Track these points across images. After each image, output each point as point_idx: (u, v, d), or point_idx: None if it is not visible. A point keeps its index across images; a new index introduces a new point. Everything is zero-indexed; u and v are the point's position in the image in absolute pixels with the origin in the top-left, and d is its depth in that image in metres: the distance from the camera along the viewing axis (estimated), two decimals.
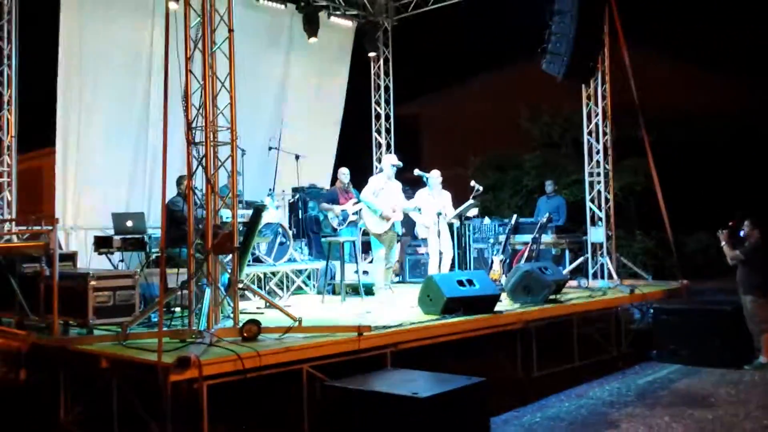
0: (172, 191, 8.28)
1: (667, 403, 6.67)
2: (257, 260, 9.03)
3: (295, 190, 10.99)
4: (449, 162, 13.86)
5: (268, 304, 6.50)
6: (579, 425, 6.07)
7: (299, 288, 9.73)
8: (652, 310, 8.93)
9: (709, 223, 12.99)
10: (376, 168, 13.39)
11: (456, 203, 9.34)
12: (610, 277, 10.21)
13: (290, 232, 9.65)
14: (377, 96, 13.55)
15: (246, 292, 6.95)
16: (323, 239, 9.68)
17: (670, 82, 17.35)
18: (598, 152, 10.65)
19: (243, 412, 5.71)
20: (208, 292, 5.67)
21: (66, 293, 5.91)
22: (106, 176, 9.70)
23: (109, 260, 7.74)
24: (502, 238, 10.16)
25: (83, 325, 5.97)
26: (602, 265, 10.39)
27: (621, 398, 6.94)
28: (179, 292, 6.03)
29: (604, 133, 10.62)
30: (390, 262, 8.67)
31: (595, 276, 10.39)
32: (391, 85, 13.56)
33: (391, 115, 13.60)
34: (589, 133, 10.76)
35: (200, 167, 5.81)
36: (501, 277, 9.34)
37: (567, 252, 10.52)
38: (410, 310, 7.37)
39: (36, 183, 14.22)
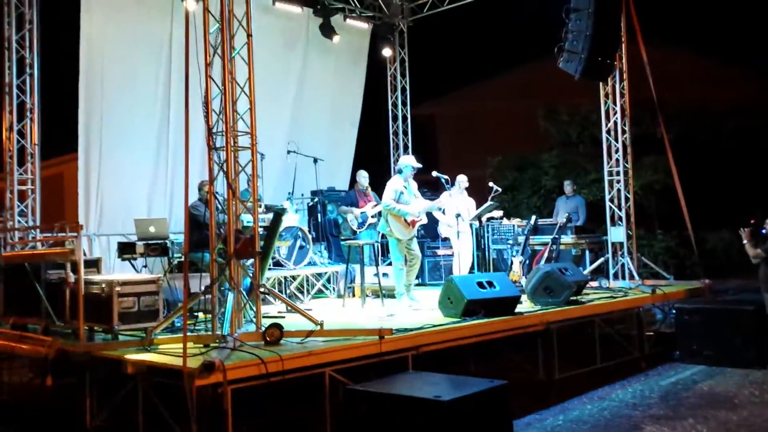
0: (193, 196, 8.35)
1: (691, 405, 6.62)
2: (278, 264, 9.08)
3: (313, 193, 11.03)
4: (467, 163, 13.82)
5: (289, 307, 6.53)
6: (602, 428, 6.04)
7: (319, 291, 9.77)
8: (674, 311, 8.86)
9: (731, 221, 12.94)
10: (394, 169, 13.39)
11: (476, 205, 9.36)
12: (632, 277, 10.15)
13: (310, 236, 9.69)
14: (394, 97, 13.57)
15: (267, 296, 6.99)
16: (343, 242, 9.71)
17: (691, 78, 17.20)
18: (617, 151, 10.59)
19: (266, 417, 5.76)
20: (230, 296, 5.71)
21: (91, 299, 5.99)
22: (127, 182, 9.79)
23: (133, 266, 7.81)
24: (521, 239, 10.13)
25: (108, 331, 6.03)
26: (623, 265, 10.33)
27: (644, 400, 6.90)
28: (202, 297, 6.07)
29: (623, 131, 10.56)
30: (418, 262, 8.56)
31: (616, 276, 10.33)
32: (407, 86, 13.57)
33: (408, 116, 13.62)
34: (608, 132, 10.70)
35: (221, 172, 5.85)
36: (521, 278, 9.33)
37: (587, 252, 10.47)
38: (431, 312, 7.38)
39: (58, 189, 14.34)
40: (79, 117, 9.31)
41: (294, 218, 9.60)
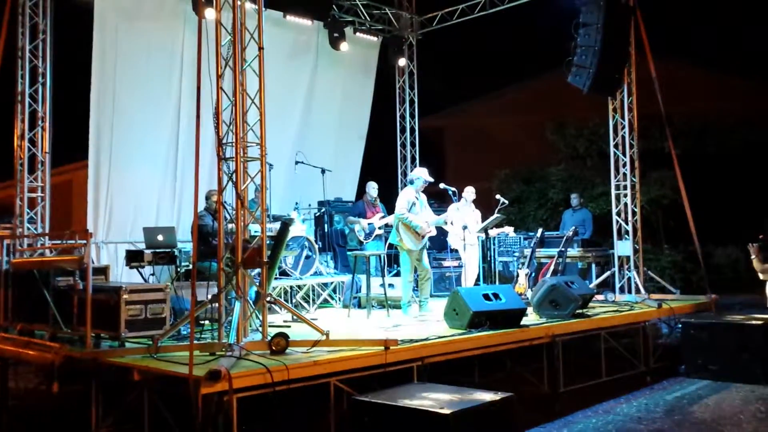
0: (200, 206, 8.39)
1: (696, 420, 6.60)
2: (284, 274, 9.12)
3: (320, 203, 11.08)
4: (474, 175, 13.85)
5: (295, 317, 6.55)
6: None
7: (325, 301, 9.79)
8: (680, 325, 8.84)
9: (739, 236, 12.92)
10: (402, 181, 13.45)
11: (482, 217, 9.38)
12: (638, 291, 10.14)
13: (316, 246, 9.73)
14: (402, 109, 13.63)
15: (273, 305, 7.01)
16: (349, 253, 9.74)
17: (699, 92, 17.22)
18: (624, 165, 10.61)
19: (271, 426, 5.77)
20: (237, 305, 5.74)
21: (99, 306, 6.02)
22: (136, 190, 9.85)
23: (140, 274, 7.86)
24: (527, 251, 10.14)
25: (115, 338, 6.07)
26: (629, 279, 10.32)
27: (649, 414, 6.89)
28: (209, 306, 6.10)
29: (631, 146, 10.57)
30: (428, 273, 8.59)
31: (622, 290, 10.32)
32: (416, 99, 13.64)
33: (416, 128, 13.67)
34: (616, 146, 10.72)
35: (230, 182, 5.89)
36: (526, 290, 9.32)
37: (593, 266, 10.48)
38: (436, 324, 7.39)
39: (67, 196, 14.44)
40: (90, 126, 9.38)
41: (301, 228, 9.64)
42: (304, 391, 5.21)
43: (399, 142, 13.66)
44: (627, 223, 10.49)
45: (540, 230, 10.29)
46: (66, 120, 9.69)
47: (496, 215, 9.24)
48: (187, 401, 4.65)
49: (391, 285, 9.24)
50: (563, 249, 9.77)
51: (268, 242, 6.14)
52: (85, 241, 6.16)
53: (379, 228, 10.04)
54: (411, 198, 8.34)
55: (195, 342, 5.38)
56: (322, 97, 12.32)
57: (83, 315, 5.95)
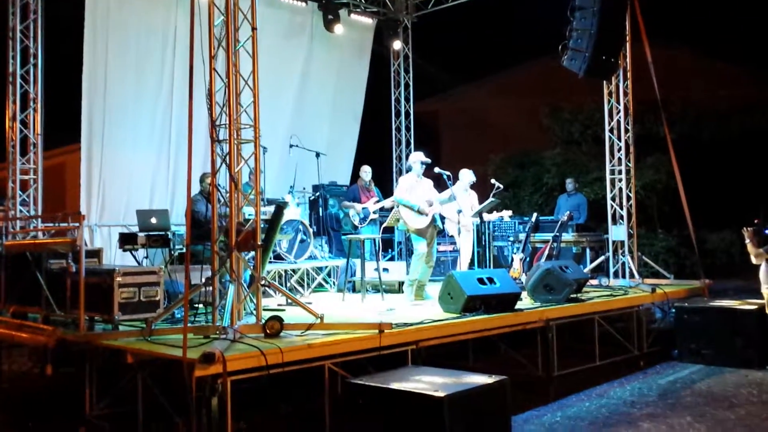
0: (195, 189, 8.36)
1: (689, 404, 6.64)
2: (278, 257, 9.09)
3: (315, 187, 11.04)
4: (469, 159, 13.81)
5: (289, 300, 6.54)
6: (600, 425, 6.06)
7: (320, 285, 9.79)
8: (673, 310, 8.86)
9: (732, 221, 12.95)
10: (396, 165, 13.43)
11: (479, 199, 9.37)
12: (632, 275, 10.16)
13: (311, 230, 9.70)
14: (397, 93, 13.58)
15: (268, 289, 7.00)
16: (343, 237, 9.72)
17: (694, 77, 17.20)
18: (619, 149, 10.59)
19: (265, 408, 5.77)
20: (231, 288, 5.72)
21: (92, 289, 6.00)
22: (130, 173, 9.81)
23: (134, 257, 7.82)
24: (522, 236, 10.14)
25: (108, 321, 6.05)
26: (623, 263, 10.34)
27: (642, 398, 6.92)
28: (203, 289, 6.08)
29: (626, 130, 10.55)
30: (432, 260, 8.59)
31: (616, 275, 10.34)
32: (411, 82, 13.58)
33: (411, 111, 13.63)
34: (611, 131, 10.70)
35: (224, 164, 5.85)
36: (521, 275, 9.34)
37: (588, 250, 10.49)
38: (431, 307, 7.39)
39: (60, 179, 14.38)
40: (82, 108, 9.33)
41: (295, 212, 9.61)
42: (298, 374, 5.21)
43: (394, 126, 13.61)
44: (622, 208, 10.49)
45: (535, 215, 10.30)
46: (59, 102, 9.62)
47: (491, 199, 9.22)
48: (181, 384, 4.64)
49: (385, 269, 9.23)
50: (558, 234, 9.77)
51: (262, 225, 6.11)
52: (77, 224, 6.12)
53: (374, 212, 10.03)
54: (410, 182, 8.33)
55: (189, 325, 5.37)
56: (317, 80, 12.26)
57: (76, 298, 5.93)
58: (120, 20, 9.61)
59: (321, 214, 10.79)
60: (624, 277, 10.21)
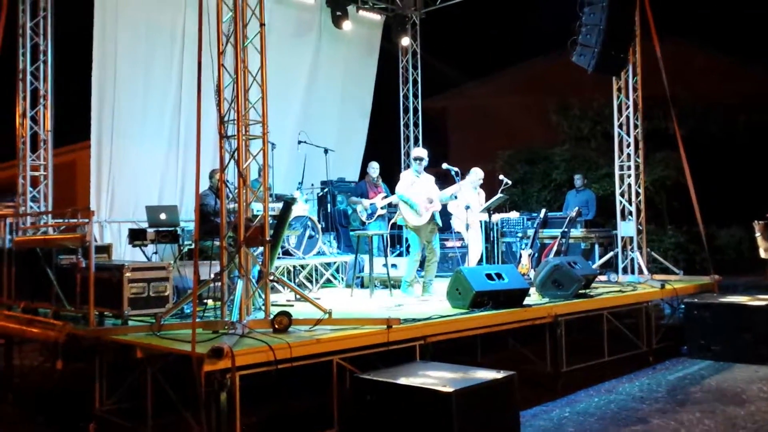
0: (204, 185, 8.39)
1: (698, 400, 6.61)
2: (286, 253, 9.12)
3: (323, 183, 11.06)
4: (478, 155, 13.81)
5: (298, 296, 6.56)
6: (608, 420, 6.05)
7: (328, 281, 9.81)
8: (683, 306, 8.83)
9: (742, 217, 12.88)
10: (404, 161, 13.42)
11: (487, 197, 9.36)
12: (641, 272, 10.13)
13: (319, 226, 9.72)
14: (405, 89, 13.57)
15: (276, 284, 7.02)
16: (352, 233, 9.73)
17: (704, 73, 17.10)
18: (628, 145, 10.54)
19: (274, 403, 5.79)
20: (240, 284, 5.74)
21: (102, 284, 6.03)
22: (139, 169, 9.86)
23: (143, 252, 7.86)
24: (530, 232, 10.12)
25: (118, 316, 6.07)
26: (632, 259, 10.30)
27: (651, 394, 6.90)
28: (212, 284, 6.11)
29: (635, 126, 10.51)
30: (436, 256, 8.59)
31: (625, 271, 10.31)
32: (419, 79, 13.57)
33: (419, 108, 13.62)
34: (620, 126, 10.65)
35: (232, 160, 5.87)
36: (529, 271, 9.32)
37: (596, 246, 10.46)
38: (439, 303, 7.40)
39: (70, 176, 14.45)
40: (92, 104, 9.37)
41: (304, 208, 9.63)
42: (306, 369, 5.22)
43: (402, 123, 13.61)
44: (630, 204, 10.45)
45: (543, 211, 10.27)
46: (69, 100, 9.67)
47: (499, 195, 9.21)
48: (189, 379, 4.66)
49: (394, 265, 9.24)
50: (566, 230, 9.74)
51: (270, 221, 6.12)
52: (87, 220, 6.16)
53: (382, 208, 10.04)
54: (411, 179, 8.36)
55: (198, 320, 5.39)
56: (325, 77, 12.27)
57: (86, 293, 5.96)
58: (129, 17, 9.64)
59: (329, 210, 10.81)
60: (633, 273, 10.18)
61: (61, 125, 9.17)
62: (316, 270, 9.62)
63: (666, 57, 10.07)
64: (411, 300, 8.02)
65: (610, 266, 10.39)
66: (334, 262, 9.92)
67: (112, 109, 9.52)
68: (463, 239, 9.47)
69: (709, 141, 15.11)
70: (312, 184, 11.08)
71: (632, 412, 6.26)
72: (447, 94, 21.71)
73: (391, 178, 10.40)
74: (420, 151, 8.69)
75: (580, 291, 7.88)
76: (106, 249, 7.38)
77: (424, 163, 8.54)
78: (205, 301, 6.79)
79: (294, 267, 9.29)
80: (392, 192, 9.79)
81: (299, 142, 10.57)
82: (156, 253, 8.06)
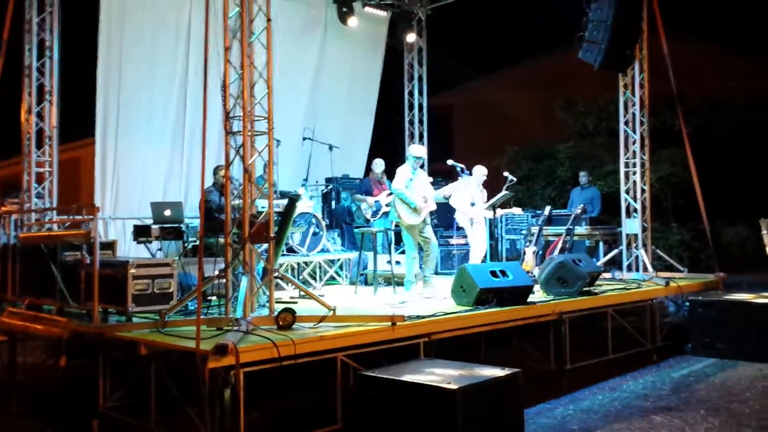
0: (208, 181, 8.38)
1: (703, 397, 6.60)
2: (291, 250, 9.12)
3: (328, 180, 11.05)
4: (483, 152, 13.78)
5: (302, 293, 6.55)
6: (613, 418, 6.04)
7: (332, 278, 9.80)
8: (687, 303, 8.82)
9: (747, 215, 12.84)
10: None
11: (489, 195, 9.34)
12: (645, 269, 10.09)
13: (323, 223, 9.71)
14: (411, 86, 13.54)
15: (281, 281, 7.01)
16: (356, 230, 9.73)
17: (711, 70, 17.03)
18: (634, 142, 10.50)
19: (278, 400, 5.80)
20: (244, 280, 5.74)
21: (106, 281, 6.04)
22: (143, 166, 9.86)
23: (148, 249, 7.86)
24: (535, 229, 10.10)
25: (122, 313, 6.08)
26: (637, 257, 10.26)
27: (655, 391, 6.89)
28: (216, 281, 6.11)
29: (641, 123, 10.46)
30: (434, 250, 8.59)
31: (629, 268, 10.27)
32: (424, 75, 13.53)
33: (425, 105, 13.58)
34: (626, 123, 10.61)
35: (237, 157, 5.87)
36: (534, 268, 9.30)
37: (601, 244, 10.45)
38: (443, 300, 7.39)
39: (75, 173, 14.46)
40: (97, 101, 9.37)
41: (308, 205, 9.62)
42: (311, 366, 5.22)
43: (407, 119, 13.58)
44: (636, 201, 10.41)
45: (548, 208, 10.24)
46: (75, 96, 9.67)
47: (504, 192, 9.20)
48: (194, 375, 4.66)
49: (398, 262, 9.22)
50: (571, 227, 9.72)
51: (275, 218, 6.12)
52: (92, 216, 6.16)
53: (386, 205, 10.01)
54: (407, 174, 8.36)
55: (202, 317, 5.38)
56: (331, 73, 12.25)
57: (90, 289, 5.97)
58: (134, 12, 9.64)
59: (334, 207, 10.81)
60: (637, 270, 10.15)
61: (67, 121, 9.16)
62: (320, 267, 9.62)
63: (673, 54, 10.03)
64: (415, 297, 8.02)
65: (614, 263, 10.36)
66: (338, 259, 9.92)
67: (117, 105, 9.52)
68: (466, 236, 9.46)
69: (715, 138, 15.07)
70: (317, 181, 11.08)
71: (636, 410, 6.25)
72: (452, 90, 21.68)
73: (395, 176, 10.39)
74: (418, 149, 8.69)
75: (585, 288, 7.86)
76: (110, 245, 7.39)
77: (421, 161, 8.56)
78: (210, 297, 6.79)
79: (298, 264, 9.29)
80: None
81: (304, 139, 10.56)
82: (160, 249, 8.06)
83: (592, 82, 13.29)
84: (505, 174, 9.60)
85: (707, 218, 10.03)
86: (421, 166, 8.82)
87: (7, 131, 10.05)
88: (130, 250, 8.70)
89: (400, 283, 8.71)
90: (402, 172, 8.44)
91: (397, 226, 8.88)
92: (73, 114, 9.76)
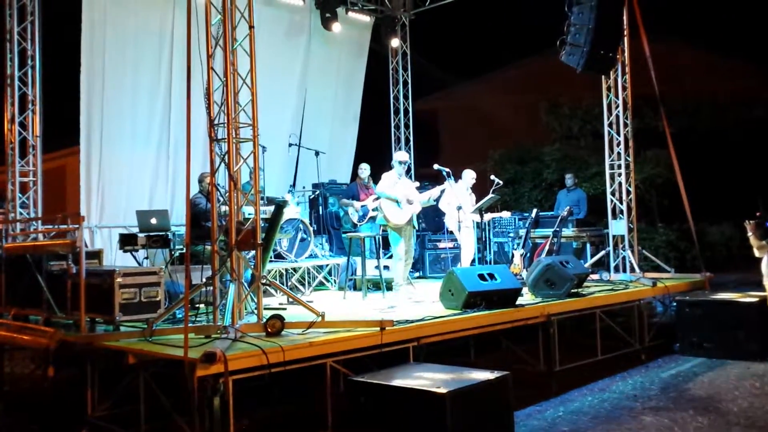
0: (194, 189, 8.35)
1: (691, 397, 6.64)
2: (279, 256, 9.09)
3: (315, 186, 11.04)
4: (469, 156, 13.85)
5: (291, 299, 6.54)
6: (602, 419, 6.06)
7: (321, 284, 9.78)
8: (675, 303, 8.87)
9: (732, 214, 12.95)
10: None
11: (477, 198, 9.37)
12: (632, 270, 10.15)
13: (311, 229, 9.69)
14: (395, 91, 13.56)
15: (269, 288, 7.00)
16: (344, 235, 9.71)
17: (693, 71, 17.19)
18: (618, 144, 10.57)
19: (267, 407, 5.78)
20: (232, 288, 5.72)
21: (92, 290, 6.00)
22: (129, 174, 9.80)
23: (134, 258, 7.82)
24: (522, 231, 10.13)
25: (109, 322, 6.05)
26: (624, 258, 10.33)
27: (644, 392, 6.92)
28: (203, 289, 6.08)
29: (625, 125, 10.54)
30: (411, 257, 8.66)
31: (616, 269, 10.33)
32: (409, 80, 13.56)
33: (410, 109, 13.61)
34: (610, 125, 10.68)
35: (223, 164, 5.85)
36: (522, 271, 9.33)
37: (588, 245, 10.49)
38: (432, 304, 7.39)
39: (60, 182, 14.38)
40: (81, 109, 9.31)
41: (295, 211, 9.60)
42: (300, 372, 5.21)
43: (393, 124, 13.60)
44: (621, 203, 10.47)
45: (535, 211, 10.29)
46: (58, 105, 9.61)
47: (491, 195, 9.22)
48: (182, 384, 4.64)
49: (386, 267, 9.22)
50: (558, 229, 9.76)
51: (262, 225, 6.10)
52: (77, 225, 6.12)
53: (373, 210, 10.01)
54: (392, 180, 8.41)
55: (190, 325, 5.36)
56: (316, 79, 12.24)
57: (77, 299, 5.93)
58: (117, 20, 9.59)
59: (321, 213, 10.79)
60: (625, 271, 10.21)
61: (51, 130, 9.10)
62: (309, 273, 9.59)
63: (655, 55, 10.10)
64: (404, 301, 8.01)
65: (601, 265, 10.42)
66: (327, 265, 9.90)
67: (101, 113, 9.47)
68: (455, 240, 9.48)
69: (698, 138, 15.19)
70: (303, 187, 11.06)
71: (626, 411, 6.27)
72: (437, 95, 21.74)
73: (380, 180, 10.41)
74: (403, 155, 8.74)
75: (573, 290, 7.90)
76: (96, 254, 7.34)
77: (406, 166, 8.59)
78: (197, 305, 6.75)
79: (286, 270, 9.26)
80: None
81: (290, 145, 10.54)
82: (147, 258, 8.02)
83: (577, 84, 13.37)
84: (492, 177, 9.63)
85: (692, 218, 10.10)
86: (407, 171, 8.83)
87: None
88: (116, 259, 8.65)
89: (389, 288, 8.70)
90: (387, 177, 8.47)
91: (384, 230, 8.88)
92: (57, 123, 9.71)
